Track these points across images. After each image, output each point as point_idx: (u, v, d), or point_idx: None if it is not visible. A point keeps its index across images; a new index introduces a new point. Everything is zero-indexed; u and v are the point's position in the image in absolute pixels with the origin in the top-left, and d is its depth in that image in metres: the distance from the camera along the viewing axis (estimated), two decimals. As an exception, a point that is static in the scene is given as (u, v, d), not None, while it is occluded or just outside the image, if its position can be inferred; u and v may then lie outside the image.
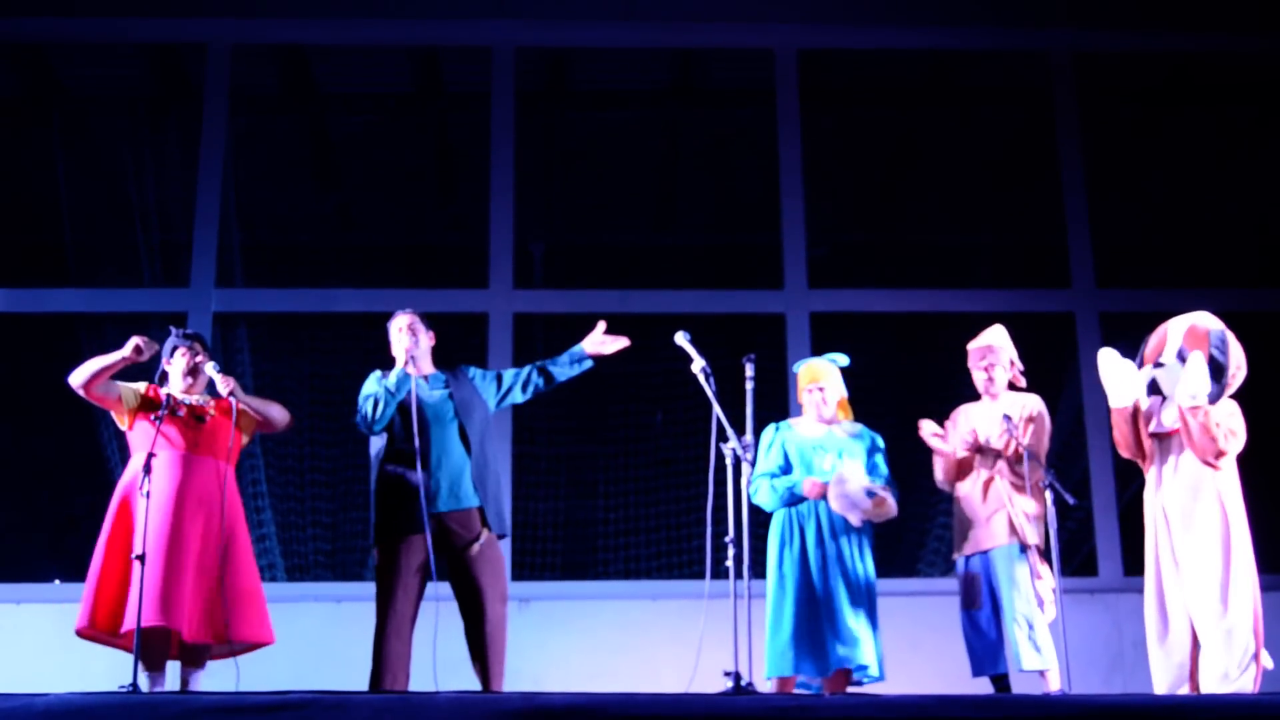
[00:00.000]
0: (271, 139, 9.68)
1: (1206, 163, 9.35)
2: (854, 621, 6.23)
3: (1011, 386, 6.67)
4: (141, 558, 5.77)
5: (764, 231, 8.84)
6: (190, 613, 5.95)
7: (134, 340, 6.07)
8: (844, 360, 6.73)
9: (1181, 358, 6.15)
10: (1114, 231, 8.92)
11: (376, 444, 6.22)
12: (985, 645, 6.44)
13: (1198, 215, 9.22)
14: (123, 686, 5.58)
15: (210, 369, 6.21)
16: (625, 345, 6.35)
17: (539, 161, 9.13)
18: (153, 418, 6.04)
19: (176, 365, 6.32)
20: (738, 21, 8.98)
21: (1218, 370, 6.14)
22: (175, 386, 6.31)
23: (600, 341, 6.37)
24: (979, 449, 6.51)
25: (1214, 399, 6.11)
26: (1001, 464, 6.45)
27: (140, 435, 6.23)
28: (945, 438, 6.62)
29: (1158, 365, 6.23)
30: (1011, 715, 3.75)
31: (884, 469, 6.58)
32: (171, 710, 3.68)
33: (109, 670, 6.09)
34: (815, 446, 6.53)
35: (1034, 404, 6.60)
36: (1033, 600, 6.27)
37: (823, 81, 9.19)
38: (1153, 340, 6.34)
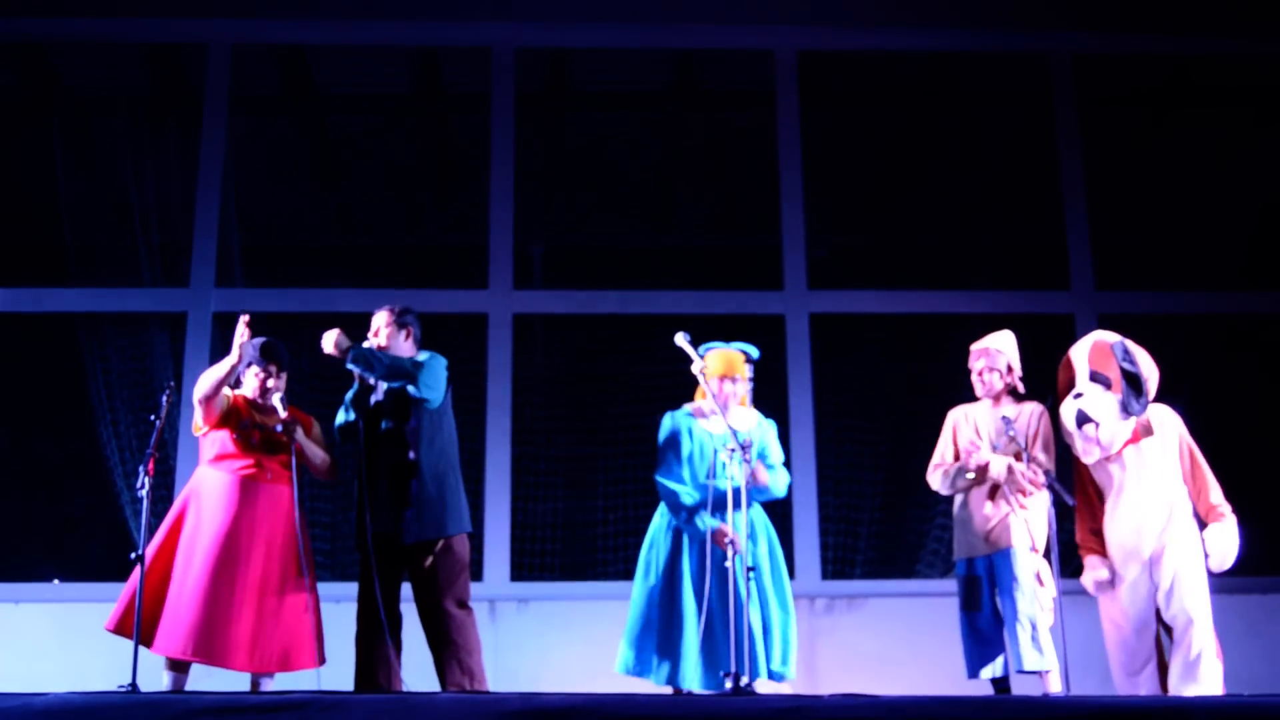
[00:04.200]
0: (271, 139, 9.68)
1: (1206, 165, 9.35)
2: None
3: (1014, 393, 6.66)
4: (141, 558, 5.79)
5: (764, 233, 8.83)
6: (244, 644, 6.00)
7: (236, 350, 6.11)
8: (755, 352, 6.62)
9: (1094, 378, 6.20)
10: (1113, 233, 8.92)
11: None
12: (983, 647, 6.44)
13: (1197, 218, 9.22)
14: (121, 686, 5.59)
15: (277, 400, 6.24)
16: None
17: (539, 162, 9.14)
18: (239, 426, 6.20)
19: (250, 381, 6.35)
20: (737, 23, 8.98)
21: (1134, 381, 6.19)
22: (247, 393, 6.37)
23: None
24: (983, 469, 6.47)
25: (1140, 410, 6.17)
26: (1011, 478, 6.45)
27: (210, 443, 6.27)
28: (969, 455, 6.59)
29: (1077, 396, 6.27)
30: (1011, 717, 3.75)
31: (779, 453, 6.50)
32: (170, 710, 3.69)
33: (108, 670, 6.09)
34: (723, 440, 6.24)
35: (1034, 411, 6.60)
36: (1035, 601, 6.26)
37: (822, 83, 9.19)
38: (1062, 376, 6.40)
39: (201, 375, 6.34)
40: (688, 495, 6.31)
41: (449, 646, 6.10)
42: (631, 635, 6.29)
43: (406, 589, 6.24)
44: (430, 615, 6.13)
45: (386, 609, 6.06)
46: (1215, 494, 6.19)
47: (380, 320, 6.40)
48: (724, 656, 5.93)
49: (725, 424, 6.16)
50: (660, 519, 6.45)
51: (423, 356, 6.31)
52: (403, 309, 6.45)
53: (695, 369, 6.22)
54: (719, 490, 6.12)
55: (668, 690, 6.22)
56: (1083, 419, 6.24)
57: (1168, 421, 6.30)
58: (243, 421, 6.26)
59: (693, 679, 6.14)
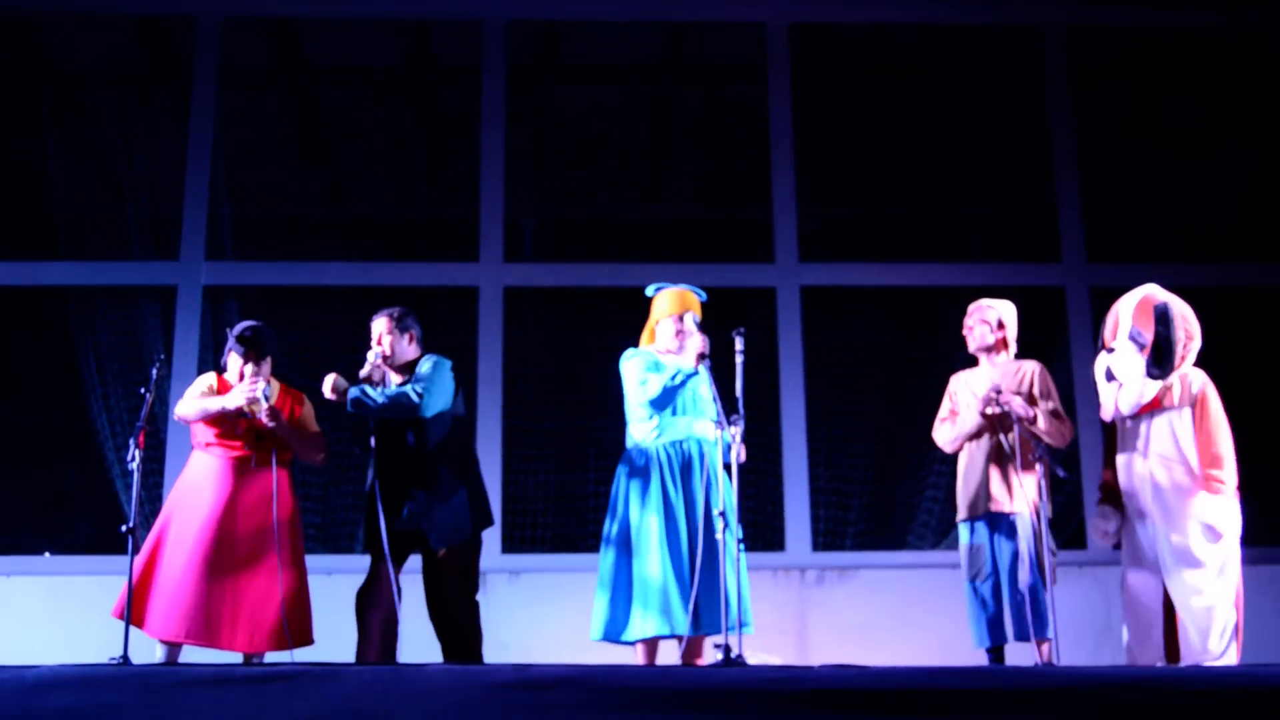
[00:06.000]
0: (261, 113, 9.66)
1: (1197, 137, 9.35)
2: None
3: (1013, 355, 6.67)
4: (132, 531, 5.80)
5: (755, 205, 8.83)
6: (236, 625, 6.04)
7: (243, 398, 6.10)
8: (702, 295, 6.59)
9: (1132, 338, 6.17)
10: (1105, 206, 8.93)
11: None
12: (989, 617, 6.42)
13: (1188, 190, 9.23)
14: (113, 659, 5.59)
15: (260, 391, 6.21)
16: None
17: (530, 135, 9.13)
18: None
19: (233, 367, 6.33)
20: (729, -5, 8.99)
21: (1167, 345, 6.15)
22: (232, 378, 6.35)
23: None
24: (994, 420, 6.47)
25: (1165, 374, 6.14)
26: (1006, 432, 6.44)
27: (200, 430, 6.29)
28: (954, 413, 6.61)
29: (1110, 351, 6.25)
30: (1000, 686, 3.76)
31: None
32: (161, 682, 3.69)
33: (100, 642, 6.10)
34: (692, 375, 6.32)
35: (1025, 369, 6.58)
36: (1035, 570, 6.25)
37: (814, 56, 9.17)
38: (1108, 324, 6.35)
39: (188, 391, 6.32)
40: (674, 378, 6.28)
41: (458, 634, 6.17)
42: (599, 601, 6.29)
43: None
44: (441, 605, 6.18)
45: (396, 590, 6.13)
46: (1214, 466, 6.12)
47: (381, 327, 6.37)
48: (689, 604, 5.99)
49: (678, 359, 6.27)
50: (617, 484, 6.44)
51: (426, 365, 6.30)
52: (402, 312, 6.42)
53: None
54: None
55: (641, 647, 6.24)
56: (1109, 376, 6.24)
57: (1195, 387, 6.20)
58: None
59: (660, 626, 6.11)
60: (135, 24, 9.15)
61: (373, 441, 6.23)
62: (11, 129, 9.36)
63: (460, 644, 6.15)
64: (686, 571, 6.09)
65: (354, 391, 6.11)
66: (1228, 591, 5.97)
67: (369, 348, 6.29)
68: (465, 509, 6.24)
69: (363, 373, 6.22)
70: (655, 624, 6.06)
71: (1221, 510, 6.04)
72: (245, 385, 6.09)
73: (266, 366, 6.35)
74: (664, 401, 6.28)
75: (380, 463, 6.19)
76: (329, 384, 6.12)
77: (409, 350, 6.38)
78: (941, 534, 8.50)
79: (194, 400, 6.18)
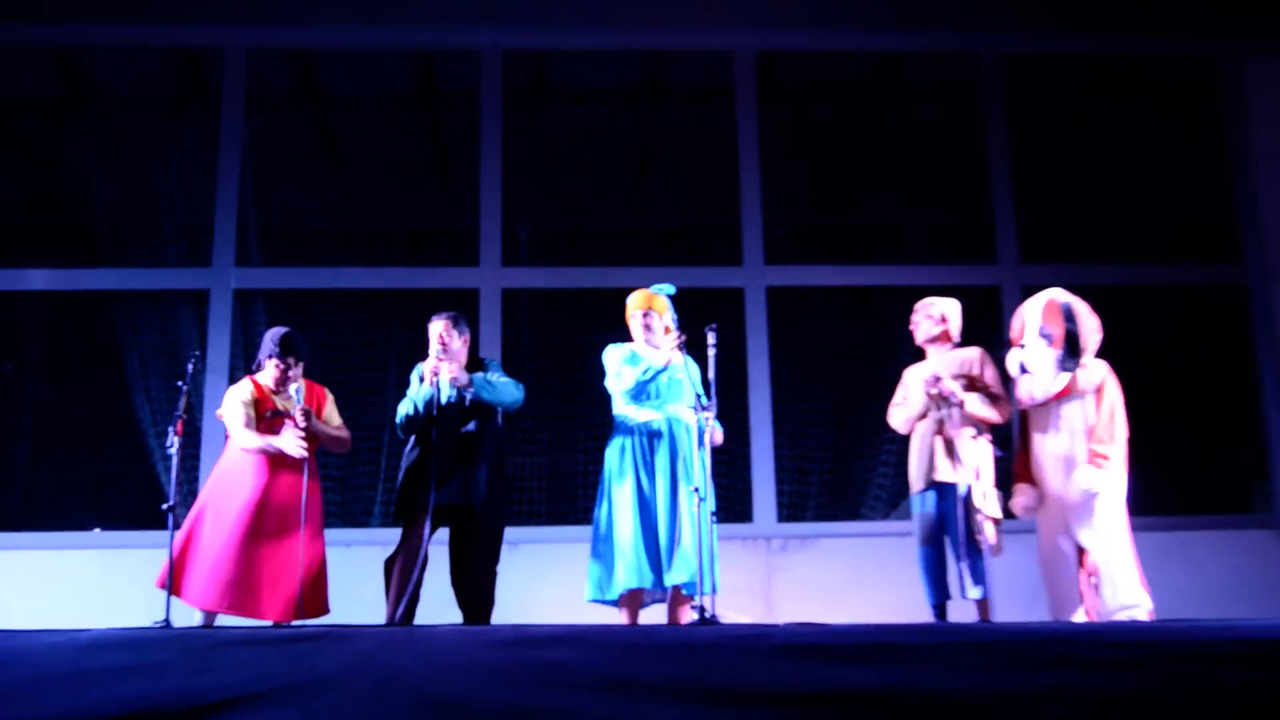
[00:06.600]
0: (283, 133, 9.63)
1: (1117, 151, 9.38)
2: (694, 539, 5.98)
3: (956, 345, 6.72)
4: (172, 509, 5.83)
5: (725, 214, 8.84)
6: (266, 597, 6.08)
7: (294, 448, 6.17)
8: (670, 289, 6.63)
9: (1043, 335, 6.27)
10: (1035, 213, 8.96)
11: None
12: (937, 577, 6.49)
13: (1110, 197, 9.27)
14: (156, 622, 5.63)
15: (293, 390, 6.25)
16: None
17: (524, 152, 9.12)
18: (261, 419, 6.28)
19: (269, 371, 6.35)
20: (701, 26, 8.96)
21: (1073, 339, 6.25)
22: (265, 380, 6.37)
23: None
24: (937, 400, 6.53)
25: (1074, 365, 6.22)
26: (949, 410, 6.50)
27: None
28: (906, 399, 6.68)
29: (1022, 347, 6.36)
30: (943, 641, 3.80)
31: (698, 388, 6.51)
32: (200, 643, 3.72)
33: (145, 608, 6.12)
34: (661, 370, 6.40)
35: (968, 356, 6.63)
36: (975, 535, 6.30)
37: (777, 80, 9.19)
38: (1015, 324, 6.45)
39: (229, 398, 6.39)
40: (645, 372, 6.37)
41: (478, 599, 6.22)
42: (589, 566, 6.36)
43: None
44: (468, 572, 6.23)
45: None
46: (1104, 444, 6.18)
47: (440, 328, 6.41)
48: (656, 562, 6.13)
49: (650, 351, 6.38)
50: (605, 463, 6.49)
51: (495, 370, 6.45)
52: (455, 315, 6.48)
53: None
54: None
55: (624, 606, 6.29)
56: (1023, 368, 6.33)
57: (1096, 377, 6.31)
58: (264, 411, 6.29)
59: (630, 579, 6.18)
60: (170, 55, 9.13)
61: (432, 427, 6.29)
62: (61, 150, 9.36)
63: (479, 607, 6.19)
64: (655, 532, 6.17)
65: (479, 380, 6.27)
66: (1126, 551, 6.08)
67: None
68: (503, 489, 6.34)
69: (451, 372, 6.29)
70: (625, 579, 6.16)
71: (1110, 482, 6.13)
72: (294, 440, 6.16)
73: (299, 369, 6.39)
74: (636, 392, 6.36)
75: (438, 445, 6.22)
76: (450, 374, 6.25)
77: (463, 352, 6.43)
78: (891, 506, 8.53)
79: (251, 436, 6.23)
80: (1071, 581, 6.20)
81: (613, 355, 6.56)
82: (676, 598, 6.23)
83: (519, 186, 8.99)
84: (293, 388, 6.28)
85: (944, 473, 6.43)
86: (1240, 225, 8.95)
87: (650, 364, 6.37)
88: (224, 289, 8.43)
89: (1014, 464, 6.50)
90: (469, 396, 6.28)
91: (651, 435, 6.37)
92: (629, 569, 6.16)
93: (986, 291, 8.66)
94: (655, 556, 6.17)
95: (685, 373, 6.32)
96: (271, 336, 6.37)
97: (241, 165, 8.69)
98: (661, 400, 6.41)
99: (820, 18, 8.98)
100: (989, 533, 6.29)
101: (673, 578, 6.10)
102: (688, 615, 6.00)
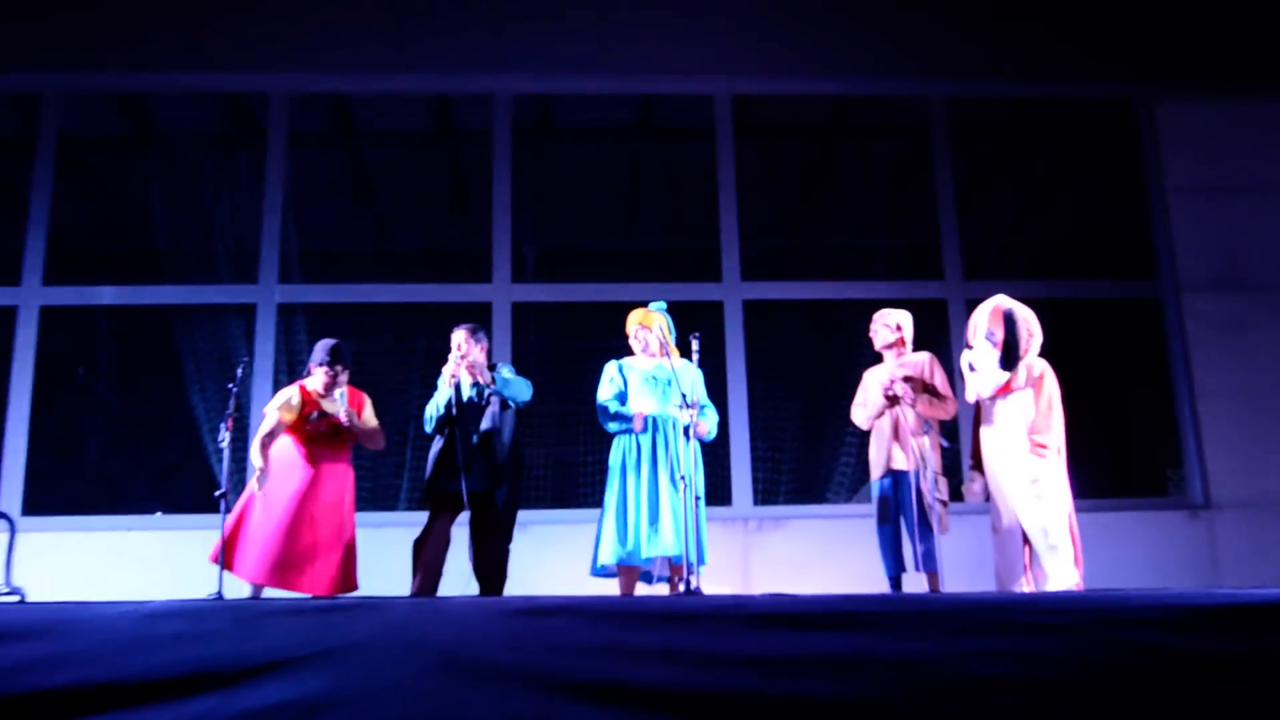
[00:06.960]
0: (321, 168, 9.63)
1: (1047, 181, 9.41)
2: (673, 519, 6.07)
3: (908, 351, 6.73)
4: (224, 495, 5.82)
5: (706, 237, 8.84)
6: (312, 574, 6.07)
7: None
8: (663, 305, 6.67)
9: (988, 338, 6.24)
10: (977, 235, 8.97)
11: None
12: (893, 553, 6.50)
13: (1041, 222, 9.29)
14: (211, 594, 5.61)
15: (338, 395, 6.24)
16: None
17: (531, 183, 9.11)
18: (307, 420, 6.28)
19: (318, 376, 6.33)
20: (685, 73, 8.97)
21: (1013, 342, 6.22)
22: (314, 385, 6.36)
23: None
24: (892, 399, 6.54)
25: (1012, 365, 6.19)
26: (902, 408, 6.51)
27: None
28: (866, 399, 6.68)
29: (969, 348, 6.35)
30: (899, 609, 3.79)
31: (700, 395, 6.49)
32: (249, 612, 3.70)
33: (201, 582, 6.10)
34: (650, 377, 6.47)
35: (919, 360, 6.65)
36: (928, 516, 6.30)
37: (752, 119, 9.18)
38: (969, 327, 6.44)
39: (275, 399, 6.39)
40: (611, 405, 6.43)
41: (495, 575, 6.22)
42: (595, 544, 6.36)
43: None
44: (487, 551, 6.23)
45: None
46: (1043, 435, 6.15)
47: (461, 338, 6.40)
48: (629, 536, 6.15)
49: (651, 365, 6.41)
50: (610, 454, 6.49)
51: (509, 372, 6.43)
52: (474, 327, 6.48)
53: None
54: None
55: (619, 578, 6.29)
56: (970, 368, 6.31)
57: (1035, 373, 6.26)
58: (310, 414, 6.28)
59: (616, 554, 6.17)
60: (223, 100, 9.11)
61: (455, 425, 6.29)
62: (127, 182, 9.34)
63: (494, 581, 6.19)
64: (640, 513, 6.16)
65: (499, 378, 6.30)
66: (1063, 529, 6.06)
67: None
68: (517, 477, 6.33)
69: (477, 370, 6.32)
70: (611, 553, 6.16)
71: (1048, 468, 6.11)
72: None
73: (345, 376, 6.38)
74: (602, 412, 6.46)
75: (462, 437, 6.21)
76: (475, 374, 6.28)
77: (481, 355, 6.41)
78: (852, 491, 8.54)
79: (255, 453, 6.24)
80: (1017, 555, 6.18)
81: (605, 371, 6.62)
82: (674, 571, 6.25)
83: (526, 213, 8.99)
84: (337, 393, 6.27)
85: (899, 462, 6.44)
86: (1154, 246, 8.97)
87: (623, 409, 6.44)
88: (269, 303, 8.42)
89: (971, 454, 6.49)
90: (489, 393, 6.28)
91: (647, 428, 6.35)
92: (613, 545, 6.21)
93: (935, 304, 8.67)
94: (637, 534, 6.18)
95: (674, 375, 6.32)
96: (322, 346, 6.35)
97: (284, 195, 8.68)
98: (653, 399, 6.41)
99: (789, 66, 9.00)
100: (939, 514, 6.30)
101: (650, 551, 6.11)
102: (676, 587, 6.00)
